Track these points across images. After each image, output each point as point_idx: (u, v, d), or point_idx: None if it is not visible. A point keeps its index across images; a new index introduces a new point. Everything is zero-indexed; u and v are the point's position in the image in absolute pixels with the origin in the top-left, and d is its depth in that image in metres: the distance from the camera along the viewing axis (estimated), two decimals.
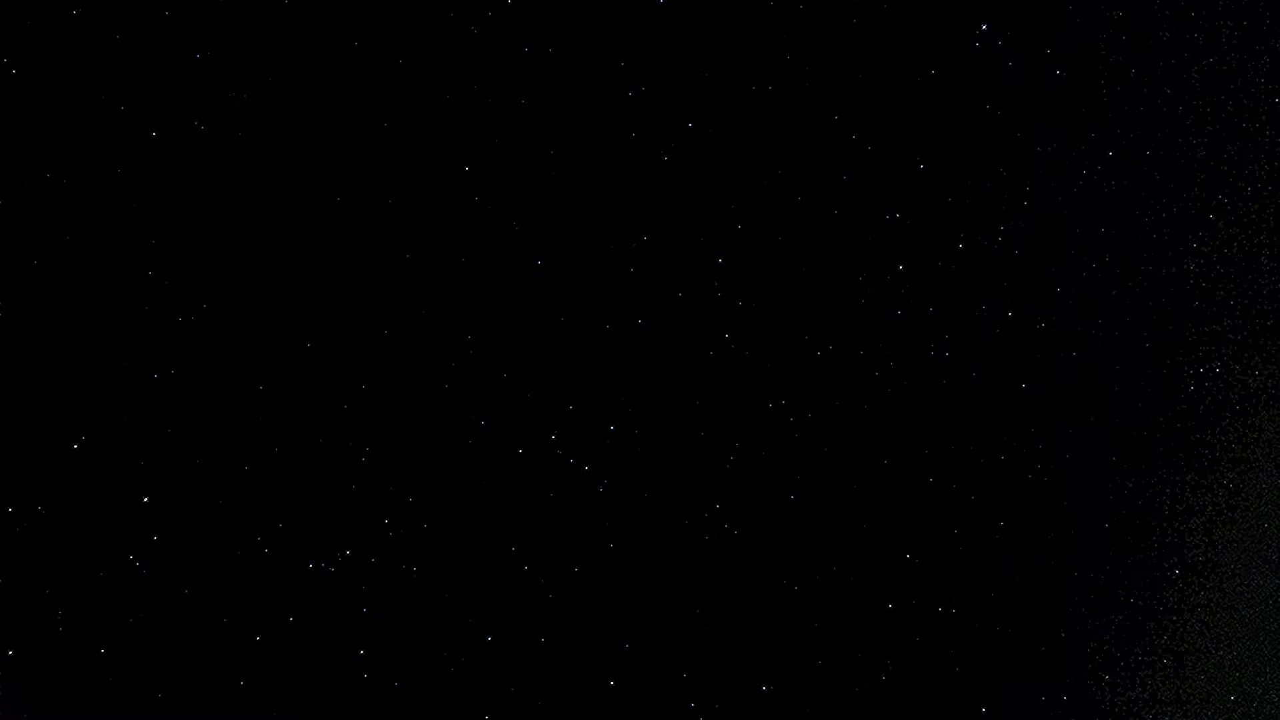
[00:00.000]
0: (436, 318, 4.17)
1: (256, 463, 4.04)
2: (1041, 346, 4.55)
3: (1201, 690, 4.67)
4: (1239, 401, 4.65)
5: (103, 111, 3.91)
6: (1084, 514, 4.60)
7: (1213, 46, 4.58)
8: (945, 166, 4.45)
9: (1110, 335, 4.59)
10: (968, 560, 4.52)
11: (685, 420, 4.35)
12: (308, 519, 4.08)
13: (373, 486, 4.13)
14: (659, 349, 4.32)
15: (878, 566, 4.46)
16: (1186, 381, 4.63)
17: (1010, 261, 4.52)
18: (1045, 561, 4.58)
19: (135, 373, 3.96)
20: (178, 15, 3.93)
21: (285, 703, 4.06)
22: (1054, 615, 4.58)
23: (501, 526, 4.22)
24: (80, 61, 3.89)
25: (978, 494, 4.53)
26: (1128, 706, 4.63)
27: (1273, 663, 4.69)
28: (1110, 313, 4.59)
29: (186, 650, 3.99)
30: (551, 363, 4.25)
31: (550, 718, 4.23)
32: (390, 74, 4.09)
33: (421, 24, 4.11)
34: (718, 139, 4.31)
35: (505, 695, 4.20)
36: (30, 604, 3.90)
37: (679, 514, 4.34)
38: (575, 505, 4.28)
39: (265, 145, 4.02)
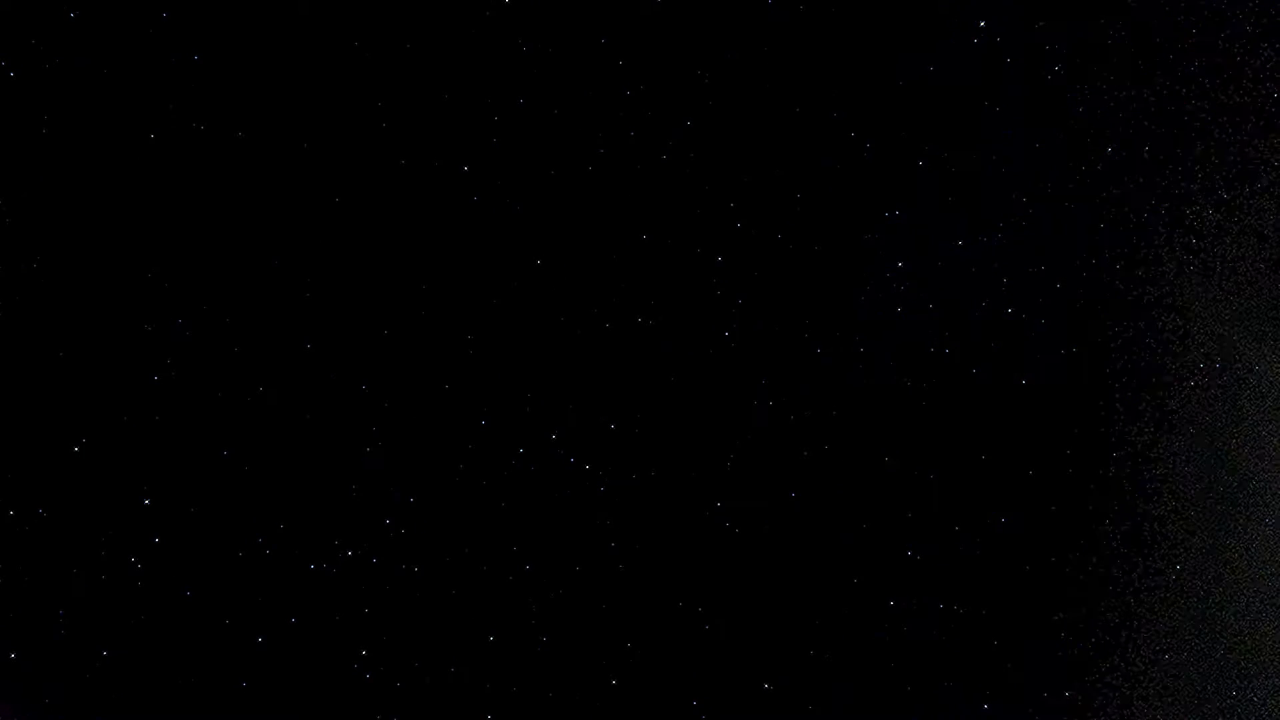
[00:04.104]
0: (436, 318, 4.17)
1: (257, 463, 4.04)
2: (1041, 345, 4.56)
3: (1202, 689, 4.68)
4: (1239, 401, 4.66)
5: (103, 111, 3.90)
6: (1084, 513, 4.62)
7: (1213, 44, 4.59)
8: (944, 165, 4.46)
9: (1109, 334, 4.60)
10: (968, 558, 4.53)
11: (685, 420, 4.35)
12: (309, 519, 4.08)
13: (374, 487, 4.12)
14: (659, 349, 4.32)
15: (879, 564, 4.47)
16: (1186, 381, 4.64)
17: (1010, 260, 4.53)
18: (1045, 560, 4.59)
19: (135, 374, 3.95)
20: (177, 15, 3.93)
21: (287, 704, 4.06)
22: (1054, 614, 4.59)
23: (502, 526, 4.22)
24: (80, 61, 3.88)
25: (978, 492, 4.53)
26: (1128, 705, 4.64)
27: (1273, 662, 4.70)
28: (1109, 312, 4.59)
29: (188, 652, 3.99)
30: (551, 363, 4.25)
31: (552, 717, 4.23)
32: (389, 74, 4.09)
33: (420, 24, 4.11)
34: (716, 138, 4.31)
35: (507, 695, 4.21)
36: (31, 606, 3.89)
37: (680, 513, 4.35)
38: (576, 505, 4.28)
39: (265, 145, 4.02)
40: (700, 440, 4.36)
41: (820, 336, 4.42)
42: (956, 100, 4.45)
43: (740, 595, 4.38)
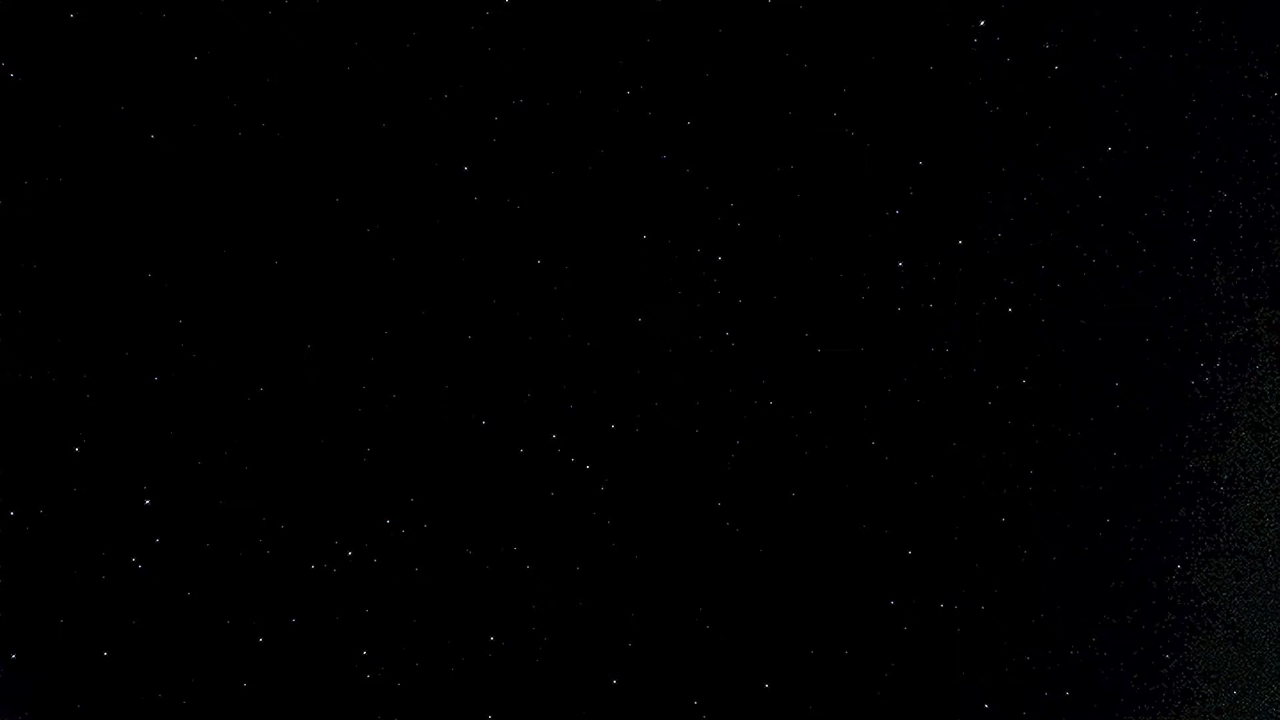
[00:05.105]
0: (437, 318, 4.17)
1: (258, 464, 4.04)
2: (1041, 345, 4.56)
3: (1202, 689, 4.68)
4: (1239, 401, 4.66)
5: (103, 111, 3.90)
6: (1084, 512, 4.61)
7: (1213, 43, 4.59)
8: (944, 164, 4.45)
9: (1110, 334, 4.59)
10: (968, 558, 4.53)
11: (686, 419, 4.35)
12: (309, 520, 4.08)
13: (374, 487, 4.13)
14: (659, 348, 4.32)
15: (879, 564, 4.47)
16: (1186, 381, 4.64)
17: (1010, 259, 4.52)
18: (1046, 560, 4.59)
19: (135, 374, 3.95)
20: (177, 15, 3.93)
21: (287, 704, 4.06)
22: (1054, 614, 4.59)
23: (503, 526, 4.22)
24: (80, 62, 3.88)
25: (978, 492, 4.53)
26: (1128, 705, 4.64)
27: (1273, 662, 4.70)
28: (1110, 312, 4.59)
29: (188, 652, 3.99)
30: (551, 363, 4.25)
31: (553, 717, 4.24)
32: (390, 74, 4.09)
33: (420, 24, 4.10)
34: (717, 138, 4.31)
35: (508, 695, 4.21)
36: (32, 606, 3.89)
37: (680, 513, 4.35)
38: (576, 505, 4.28)
39: (264, 146, 4.01)
40: (700, 440, 4.36)
41: (820, 336, 4.42)
42: (956, 100, 4.45)
43: (740, 595, 4.38)
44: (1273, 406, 4.68)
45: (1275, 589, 4.71)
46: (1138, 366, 4.62)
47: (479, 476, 4.21)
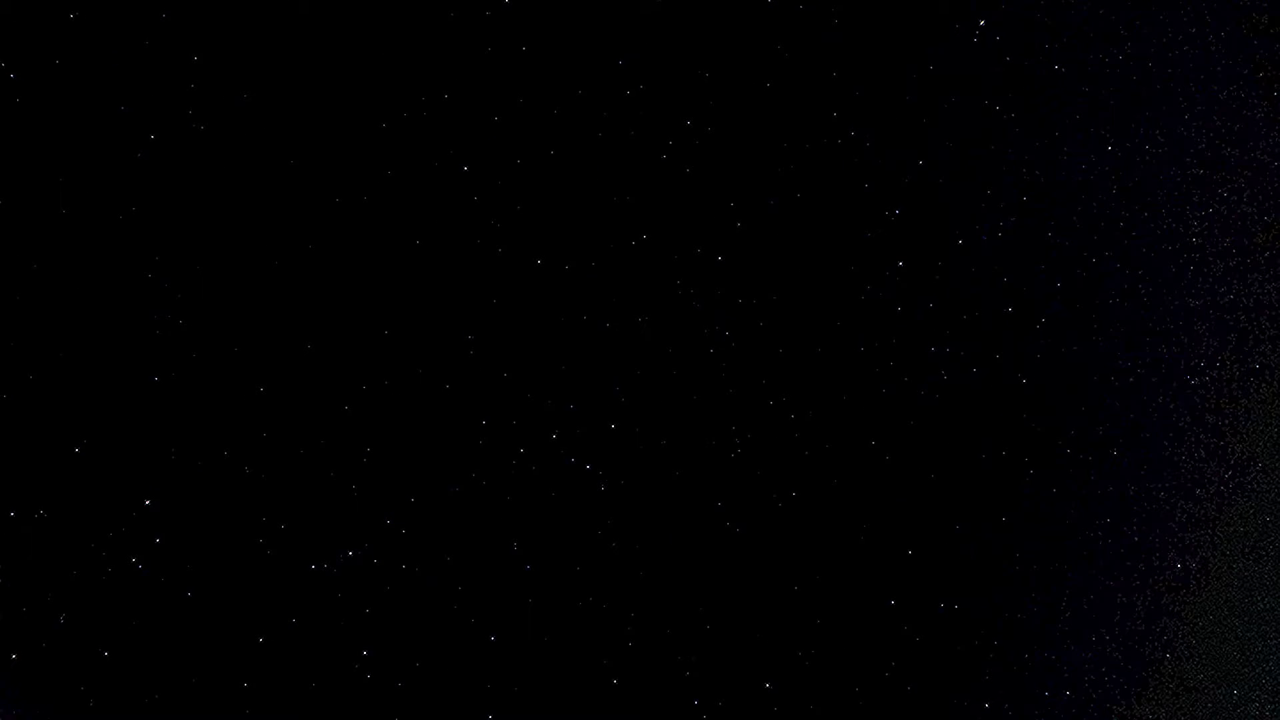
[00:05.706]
0: (437, 318, 4.17)
1: (257, 464, 4.04)
2: (1041, 344, 4.56)
3: (1202, 689, 4.68)
4: (1241, 399, 4.66)
5: (102, 111, 3.90)
6: (1084, 512, 4.62)
7: (1213, 42, 4.59)
8: (944, 164, 4.46)
9: (1109, 334, 4.60)
10: (968, 558, 4.53)
11: (686, 419, 4.35)
12: (309, 520, 4.08)
13: (374, 487, 4.12)
14: (660, 348, 4.32)
15: (879, 564, 4.47)
16: (1186, 381, 4.64)
17: (1010, 259, 4.53)
18: (1045, 560, 4.59)
19: (135, 374, 3.95)
20: (177, 15, 3.93)
21: (287, 704, 4.06)
22: (1054, 614, 4.60)
23: (503, 526, 4.22)
24: (80, 62, 3.88)
25: (978, 492, 4.54)
26: (1128, 706, 4.64)
27: (1273, 662, 4.70)
28: (1109, 311, 4.60)
29: (188, 652, 3.99)
30: (552, 363, 4.25)
31: (553, 717, 4.24)
32: (389, 74, 4.09)
33: (421, 24, 4.10)
34: (717, 138, 4.31)
35: (508, 695, 4.21)
36: (32, 606, 3.89)
37: (681, 512, 4.35)
38: (577, 505, 4.28)
39: (264, 146, 4.01)
40: (700, 440, 4.36)
41: (820, 336, 4.42)
42: (956, 100, 4.45)
43: (741, 595, 4.38)
44: (1273, 406, 4.68)
45: (1275, 589, 4.71)
46: (1137, 366, 4.62)
47: (479, 476, 4.21)
